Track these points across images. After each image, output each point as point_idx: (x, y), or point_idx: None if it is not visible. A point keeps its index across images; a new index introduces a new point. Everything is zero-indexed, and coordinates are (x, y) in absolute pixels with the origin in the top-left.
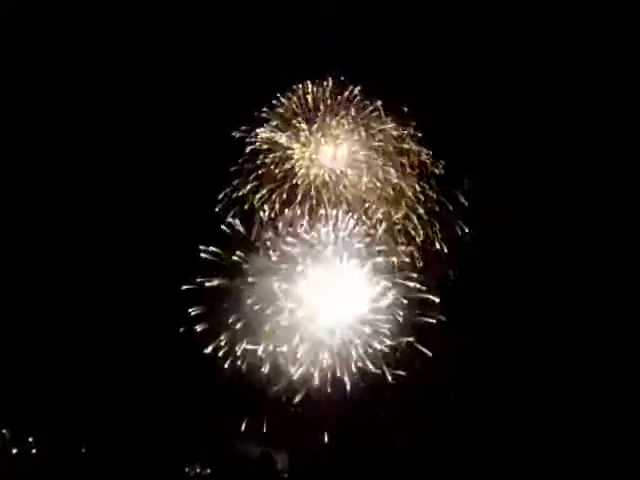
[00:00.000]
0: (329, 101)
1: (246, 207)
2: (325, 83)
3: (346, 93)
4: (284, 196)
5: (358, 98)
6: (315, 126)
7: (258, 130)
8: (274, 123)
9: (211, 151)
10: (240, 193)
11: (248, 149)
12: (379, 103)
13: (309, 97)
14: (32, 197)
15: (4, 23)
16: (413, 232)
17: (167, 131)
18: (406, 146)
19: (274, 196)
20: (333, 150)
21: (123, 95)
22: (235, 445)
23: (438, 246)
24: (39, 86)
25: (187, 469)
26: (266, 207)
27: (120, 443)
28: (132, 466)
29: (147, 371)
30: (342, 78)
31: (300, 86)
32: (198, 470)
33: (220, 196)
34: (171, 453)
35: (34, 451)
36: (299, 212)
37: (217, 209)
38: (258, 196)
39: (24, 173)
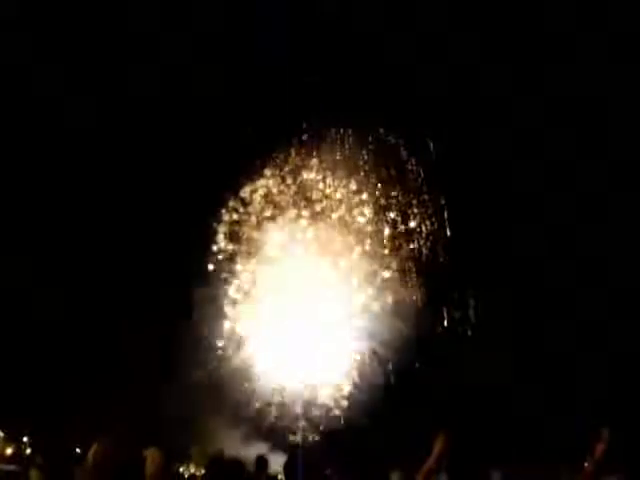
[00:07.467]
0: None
1: None
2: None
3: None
4: None
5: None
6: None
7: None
8: None
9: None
10: None
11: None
12: None
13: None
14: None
15: (4, 23)
16: None
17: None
18: None
19: None
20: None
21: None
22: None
23: None
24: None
25: (182, 469)
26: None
27: (115, 442)
28: (127, 465)
29: (144, 372)
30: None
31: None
32: (192, 470)
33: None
34: (165, 453)
35: (28, 451)
36: None
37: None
38: None
39: (24, 175)
